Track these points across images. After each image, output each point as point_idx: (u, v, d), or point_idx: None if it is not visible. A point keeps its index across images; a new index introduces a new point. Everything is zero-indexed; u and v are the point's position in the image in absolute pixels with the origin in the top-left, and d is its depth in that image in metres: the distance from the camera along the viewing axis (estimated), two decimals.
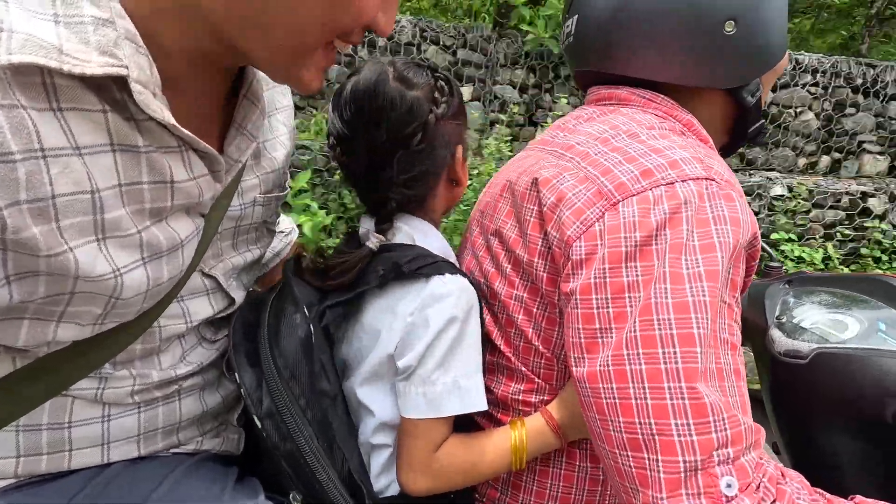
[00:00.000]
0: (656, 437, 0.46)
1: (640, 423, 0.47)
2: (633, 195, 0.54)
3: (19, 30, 0.40)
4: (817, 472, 0.83)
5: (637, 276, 0.50)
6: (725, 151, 0.77)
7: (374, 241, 0.69)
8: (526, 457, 0.62)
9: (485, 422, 0.69)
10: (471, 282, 0.64)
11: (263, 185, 0.70)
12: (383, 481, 0.64)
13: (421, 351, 0.60)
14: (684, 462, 0.45)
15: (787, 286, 1.01)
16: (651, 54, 0.66)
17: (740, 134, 0.73)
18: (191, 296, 0.63)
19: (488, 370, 0.68)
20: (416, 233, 0.68)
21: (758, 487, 0.46)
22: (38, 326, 0.49)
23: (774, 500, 0.46)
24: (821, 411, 0.84)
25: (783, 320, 0.92)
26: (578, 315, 0.53)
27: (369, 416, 0.65)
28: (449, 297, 0.61)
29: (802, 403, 0.86)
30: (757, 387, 1.01)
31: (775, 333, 0.89)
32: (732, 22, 0.63)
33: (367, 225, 0.72)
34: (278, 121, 0.75)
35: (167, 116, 0.49)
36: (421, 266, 0.63)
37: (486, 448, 0.62)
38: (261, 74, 0.64)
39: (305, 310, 0.63)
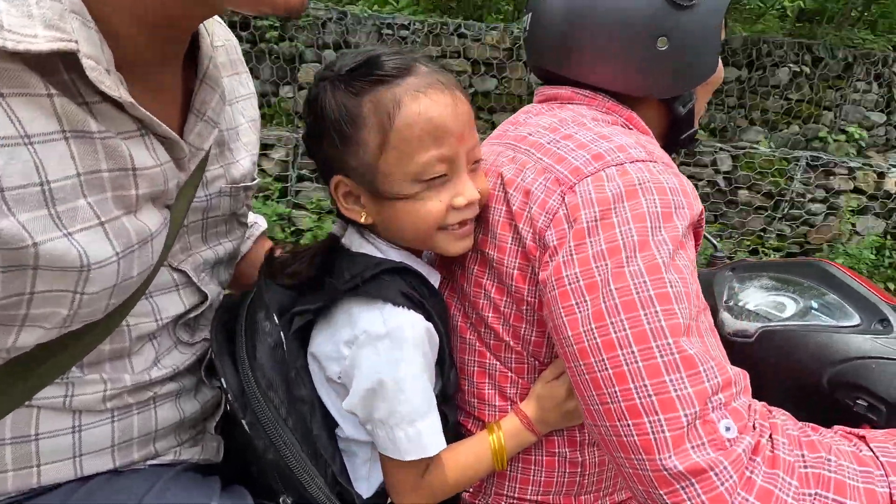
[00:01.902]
0: (654, 398, 0.48)
1: (635, 388, 0.48)
2: (588, 176, 0.57)
3: None
4: None
5: (601, 245, 0.53)
6: None
7: (338, 228, 0.69)
8: (506, 457, 0.64)
9: (464, 419, 0.71)
10: (427, 302, 0.61)
11: (229, 175, 0.68)
12: (365, 487, 0.65)
13: (357, 402, 0.59)
14: (685, 416, 0.47)
15: (731, 273, 1.10)
16: (594, 62, 0.71)
17: (673, 140, 0.79)
18: (159, 292, 0.61)
19: (462, 369, 0.69)
20: (372, 246, 0.66)
21: (754, 426, 0.48)
22: None
23: (770, 434, 0.49)
24: (766, 384, 0.92)
25: (731, 304, 1.01)
26: (556, 296, 0.55)
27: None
28: (385, 339, 0.57)
29: (751, 377, 0.94)
30: None
31: (725, 316, 0.97)
32: (665, 38, 0.68)
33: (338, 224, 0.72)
34: (240, 110, 0.73)
35: (123, 94, 0.46)
36: (360, 284, 0.59)
37: (469, 460, 0.64)
38: (218, 59, 0.61)
39: (275, 317, 0.63)
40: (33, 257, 0.43)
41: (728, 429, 0.47)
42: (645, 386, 0.48)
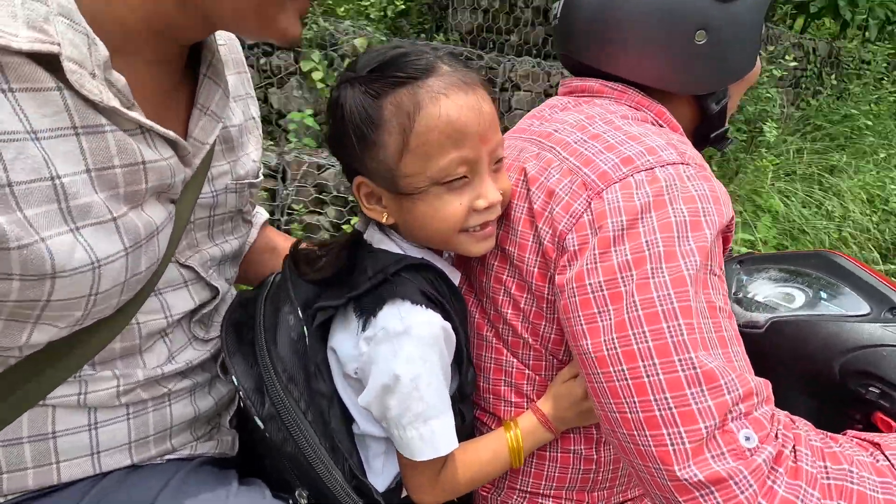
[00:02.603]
0: (674, 410, 0.47)
1: (655, 400, 0.48)
2: (616, 182, 0.56)
3: None
4: None
5: (626, 256, 0.53)
6: None
7: (360, 223, 0.69)
8: (523, 454, 0.64)
9: (479, 413, 0.71)
10: (446, 301, 0.62)
11: (234, 172, 0.69)
12: (379, 481, 0.65)
13: (373, 398, 0.59)
14: (705, 427, 0.46)
15: (738, 266, 1.10)
16: (626, 54, 0.69)
17: (703, 138, 0.77)
18: (168, 288, 0.62)
19: (478, 365, 0.69)
20: (393, 243, 0.66)
21: (776, 436, 0.48)
22: (13, 328, 0.46)
23: (794, 445, 0.48)
24: (777, 374, 0.92)
25: (740, 296, 1.01)
26: (577, 303, 0.54)
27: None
28: (403, 336, 0.57)
29: (761, 369, 0.94)
30: None
31: (734, 308, 0.97)
32: (703, 32, 0.66)
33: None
34: (243, 107, 0.74)
35: (105, 98, 0.46)
36: (385, 280, 0.60)
37: (486, 457, 0.64)
38: (220, 55, 0.62)
39: (299, 311, 0.63)
40: (49, 260, 0.43)
41: (748, 438, 0.47)
42: (665, 399, 0.48)
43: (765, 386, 0.51)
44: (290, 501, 0.62)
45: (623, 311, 0.51)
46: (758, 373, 0.96)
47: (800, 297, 0.95)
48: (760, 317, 0.92)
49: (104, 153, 0.46)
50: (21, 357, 0.50)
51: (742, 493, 0.45)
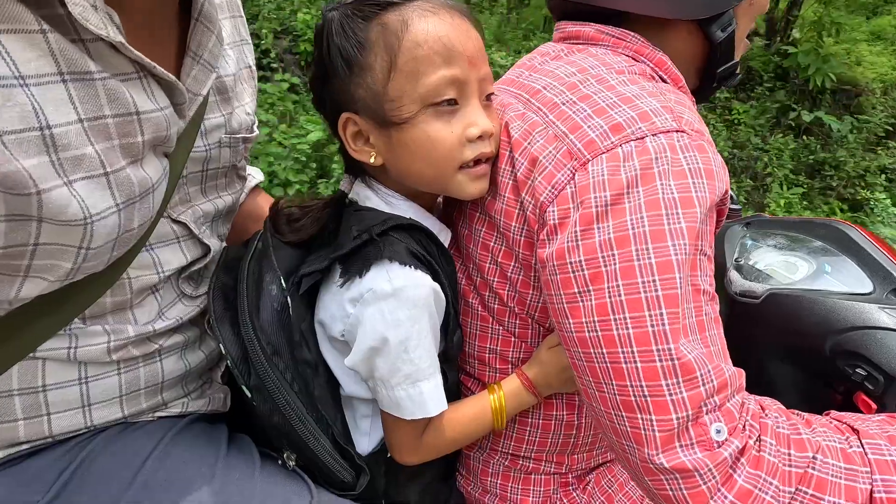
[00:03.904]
0: (649, 399, 0.48)
1: (632, 387, 0.49)
2: (603, 153, 0.53)
3: None
4: (757, 393, 0.93)
5: (609, 234, 0.51)
6: (698, 96, 0.75)
7: (345, 183, 0.66)
8: (506, 416, 0.66)
9: (464, 377, 0.72)
10: (435, 261, 0.60)
11: (229, 125, 0.66)
12: (366, 441, 0.67)
13: (360, 360, 0.59)
14: (677, 419, 0.47)
15: (745, 228, 1.07)
16: None
17: (710, 75, 0.71)
18: (160, 243, 0.61)
19: (464, 331, 0.69)
20: (380, 199, 0.64)
21: (744, 427, 0.49)
22: (2, 282, 0.46)
23: (759, 435, 0.49)
24: (768, 345, 0.92)
25: (741, 262, 0.99)
26: (558, 281, 0.53)
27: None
28: (391, 298, 0.56)
29: (753, 337, 0.94)
30: None
31: (733, 275, 0.96)
32: None
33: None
34: (238, 55, 0.69)
35: (111, 32, 0.43)
36: (370, 240, 0.58)
37: (469, 418, 0.65)
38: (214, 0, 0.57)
39: (282, 280, 0.62)
40: (37, 207, 0.42)
41: (718, 431, 0.48)
42: (641, 386, 0.49)
43: (738, 376, 0.51)
44: (279, 461, 0.64)
45: (605, 292, 0.50)
46: (747, 341, 0.97)
47: (802, 268, 0.93)
48: (759, 287, 0.91)
49: (94, 101, 0.44)
50: (10, 310, 0.49)
51: (704, 483, 0.47)
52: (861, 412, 0.78)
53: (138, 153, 0.49)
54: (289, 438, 0.61)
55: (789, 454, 0.49)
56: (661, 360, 0.48)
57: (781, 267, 0.95)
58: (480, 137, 0.59)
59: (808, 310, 0.84)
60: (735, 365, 1.02)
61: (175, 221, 0.62)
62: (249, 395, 0.60)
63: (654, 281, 0.49)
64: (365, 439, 0.67)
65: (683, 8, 0.64)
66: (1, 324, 0.50)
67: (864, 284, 0.85)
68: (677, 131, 0.53)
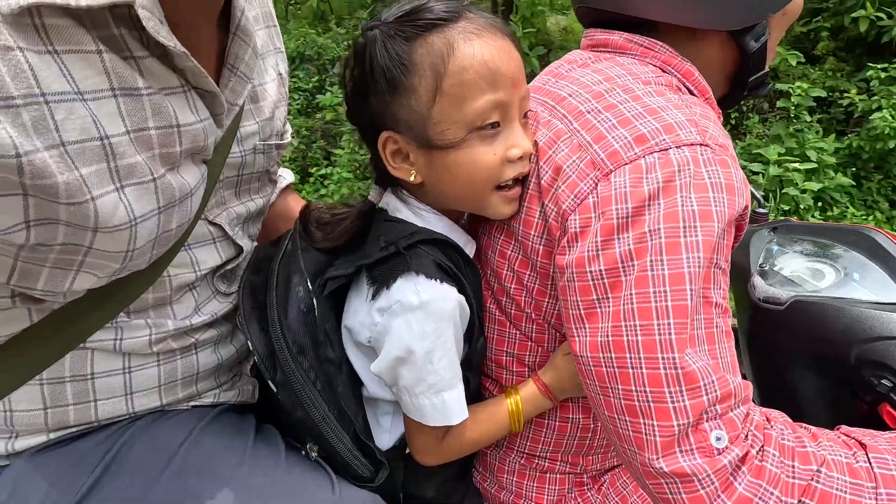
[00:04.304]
0: (652, 405, 0.49)
1: (636, 392, 0.50)
2: (626, 164, 0.54)
3: None
4: (779, 401, 0.92)
5: (629, 245, 0.51)
6: (726, 103, 0.75)
7: (374, 194, 0.68)
8: (523, 419, 0.67)
9: (483, 378, 0.73)
10: (461, 273, 0.61)
11: (262, 132, 0.69)
12: (386, 438, 0.69)
13: (385, 368, 0.60)
14: (678, 425, 0.48)
15: (772, 233, 1.05)
16: None
17: (740, 83, 0.71)
18: (198, 244, 0.64)
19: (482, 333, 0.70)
20: (410, 212, 0.65)
21: (746, 437, 0.49)
22: (58, 274, 0.50)
23: (763, 446, 0.50)
24: (792, 352, 0.91)
25: (765, 268, 0.97)
26: (576, 288, 0.54)
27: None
28: (418, 311, 0.58)
29: (776, 344, 0.93)
30: (732, 320, 1.08)
31: (757, 280, 0.94)
32: None
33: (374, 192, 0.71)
34: (272, 64, 0.72)
35: (177, 44, 0.47)
36: (397, 252, 0.59)
37: (487, 422, 0.67)
38: (250, 12, 0.61)
39: (308, 282, 0.64)
40: (94, 217, 0.46)
41: (719, 439, 0.48)
42: (645, 392, 0.50)
43: (744, 387, 0.52)
44: (303, 452, 0.67)
45: (620, 301, 0.51)
46: (769, 348, 0.95)
47: (829, 276, 0.91)
48: (783, 293, 0.89)
49: (140, 115, 0.48)
50: (64, 303, 0.54)
51: (703, 489, 0.48)
52: (886, 424, 0.76)
53: (175, 161, 0.53)
54: (311, 433, 0.64)
55: (793, 466, 0.49)
56: (665, 369, 0.49)
57: (808, 274, 0.93)
58: (520, 158, 0.60)
59: (834, 318, 0.82)
60: (757, 371, 1.01)
61: (211, 223, 0.65)
62: (275, 389, 0.62)
63: (664, 292, 0.50)
64: (385, 436, 0.69)
65: (718, 19, 0.63)
66: (56, 316, 0.55)
67: (893, 293, 0.83)
68: (701, 145, 0.54)
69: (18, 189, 0.41)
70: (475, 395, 0.69)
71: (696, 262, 0.50)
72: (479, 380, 0.71)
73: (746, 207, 0.56)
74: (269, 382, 0.63)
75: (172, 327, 0.63)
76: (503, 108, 0.58)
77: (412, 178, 0.62)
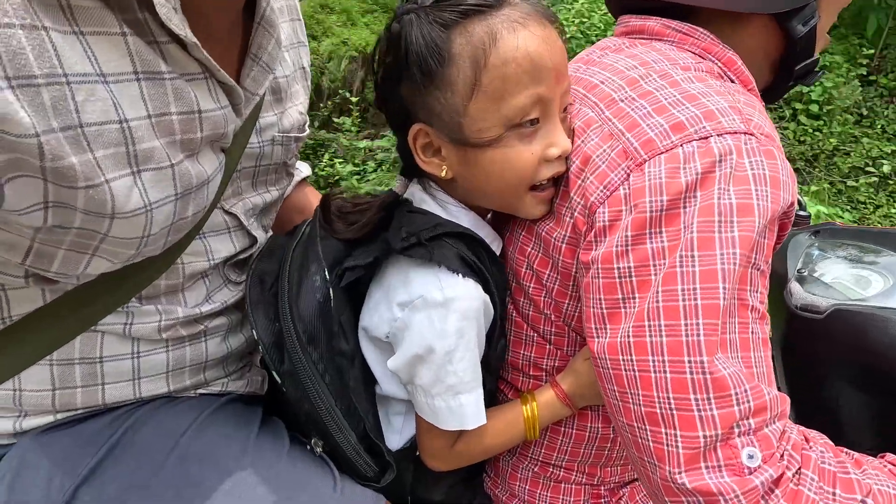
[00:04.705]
0: (675, 413, 0.45)
1: (658, 398, 0.46)
2: (662, 153, 0.49)
3: None
4: (817, 418, 0.86)
5: (662, 242, 0.48)
6: (770, 94, 0.70)
7: (399, 185, 0.66)
8: (539, 427, 0.64)
9: (498, 381, 0.70)
10: (486, 269, 0.58)
11: (281, 124, 0.69)
12: (396, 439, 0.66)
13: (402, 365, 0.58)
14: (704, 437, 0.44)
15: (812, 237, 0.99)
16: None
17: (786, 71, 0.65)
18: (213, 233, 0.64)
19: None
20: (437, 204, 0.62)
21: (781, 456, 0.45)
22: (72, 257, 0.50)
23: (800, 468, 0.45)
24: (832, 363, 0.85)
25: (804, 273, 0.91)
26: (600, 285, 0.51)
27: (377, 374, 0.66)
28: (441, 307, 0.55)
29: (814, 356, 0.87)
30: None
31: (794, 287, 0.88)
32: None
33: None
34: (294, 57, 0.72)
35: (188, 33, 0.47)
36: (419, 243, 0.56)
37: (501, 428, 0.63)
38: (276, 3, 0.60)
39: (326, 272, 0.62)
40: (110, 202, 0.46)
41: (751, 456, 0.44)
42: (668, 398, 0.45)
43: (781, 401, 0.47)
44: (308, 447, 0.65)
45: (646, 300, 0.48)
46: (805, 360, 0.89)
47: (876, 284, 0.85)
48: (823, 301, 0.83)
49: (161, 99, 0.47)
50: (77, 285, 0.54)
51: None
52: None
53: (195, 148, 0.53)
54: (317, 427, 0.62)
55: (834, 493, 0.45)
56: (691, 373, 0.45)
57: (851, 281, 0.87)
58: (558, 157, 0.56)
59: (881, 328, 0.76)
60: (792, 383, 0.95)
61: (227, 213, 0.65)
62: (280, 380, 0.61)
63: (694, 289, 0.45)
64: (396, 436, 0.67)
65: (761, 1, 0.58)
66: (69, 297, 0.55)
67: None
68: (745, 133, 0.49)
69: (38, 173, 0.41)
70: (489, 400, 0.66)
71: (730, 260, 0.46)
72: (495, 383, 0.68)
73: (792, 204, 0.51)
74: (274, 374, 0.61)
75: (182, 314, 0.62)
76: (544, 103, 0.54)
77: (443, 174, 0.59)
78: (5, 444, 0.60)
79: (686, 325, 0.45)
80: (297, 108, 0.72)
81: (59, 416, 0.60)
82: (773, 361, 0.98)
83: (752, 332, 0.47)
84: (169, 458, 0.59)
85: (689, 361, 0.45)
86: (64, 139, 0.41)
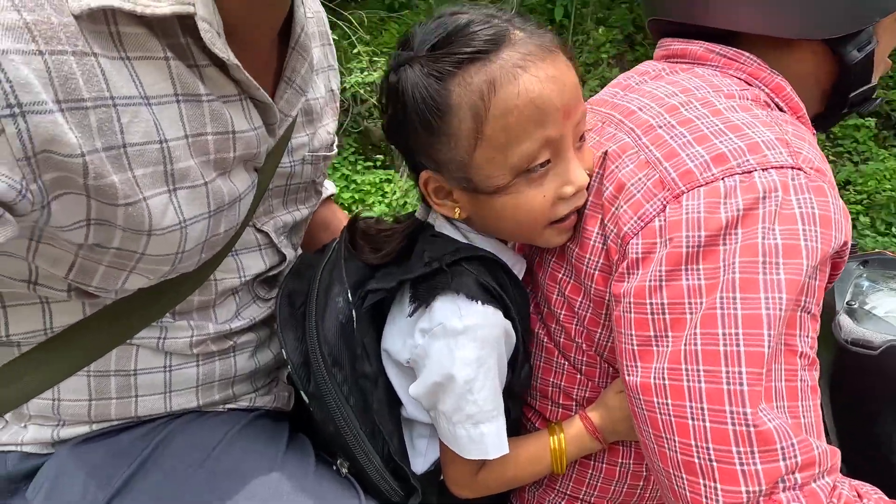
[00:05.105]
0: (715, 464, 0.42)
1: (696, 447, 0.43)
2: (701, 185, 0.47)
3: None
4: (867, 459, 0.81)
5: (699, 280, 0.45)
6: (823, 122, 0.66)
7: (421, 211, 0.66)
8: (566, 461, 0.61)
9: (525, 408, 0.68)
10: (507, 295, 0.57)
11: (311, 143, 0.71)
12: (421, 462, 0.65)
13: (423, 392, 0.57)
14: (747, 492, 0.41)
15: (861, 267, 0.94)
16: None
17: (840, 100, 0.62)
18: (245, 250, 0.66)
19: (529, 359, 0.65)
20: (456, 230, 0.62)
21: None
22: (112, 273, 0.51)
23: None
24: (885, 402, 0.79)
25: (854, 305, 0.87)
26: (631, 320, 0.48)
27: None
28: (461, 336, 0.54)
29: (865, 392, 0.82)
30: None
31: (844, 320, 0.84)
32: None
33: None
34: (324, 79, 0.75)
35: (230, 56, 0.49)
36: (440, 269, 0.55)
37: (527, 459, 0.61)
38: (309, 29, 0.63)
39: (349, 293, 0.62)
40: (147, 219, 0.48)
41: None
42: (707, 449, 0.43)
43: (831, 454, 0.44)
44: (334, 467, 0.65)
45: (682, 341, 0.45)
46: (856, 398, 0.84)
47: None
48: (876, 336, 0.79)
49: (199, 120, 0.50)
50: (116, 299, 0.56)
51: None
52: None
53: (228, 166, 0.54)
54: (342, 449, 0.61)
55: None
56: (734, 424, 0.42)
57: None
58: (576, 193, 0.55)
59: None
60: (840, 422, 0.90)
61: (259, 230, 0.67)
62: (308, 401, 0.61)
63: (736, 334, 0.43)
64: (420, 459, 0.65)
65: (813, 26, 0.55)
66: (107, 311, 0.57)
67: None
68: (793, 168, 0.47)
69: (82, 190, 0.43)
70: (514, 427, 0.64)
71: (776, 304, 0.43)
72: (519, 410, 0.66)
73: (846, 244, 0.48)
74: (302, 393, 0.61)
75: (213, 330, 0.63)
76: (554, 144, 0.52)
77: (456, 215, 0.59)
78: (45, 454, 0.61)
79: (727, 372, 0.43)
80: (325, 128, 0.74)
81: (95, 426, 0.61)
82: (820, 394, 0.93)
83: (801, 380, 0.44)
84: (198, 473, 0.60)
85: (731, 412, 0.42)
86: (106, 158, 0.44)
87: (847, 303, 0.87)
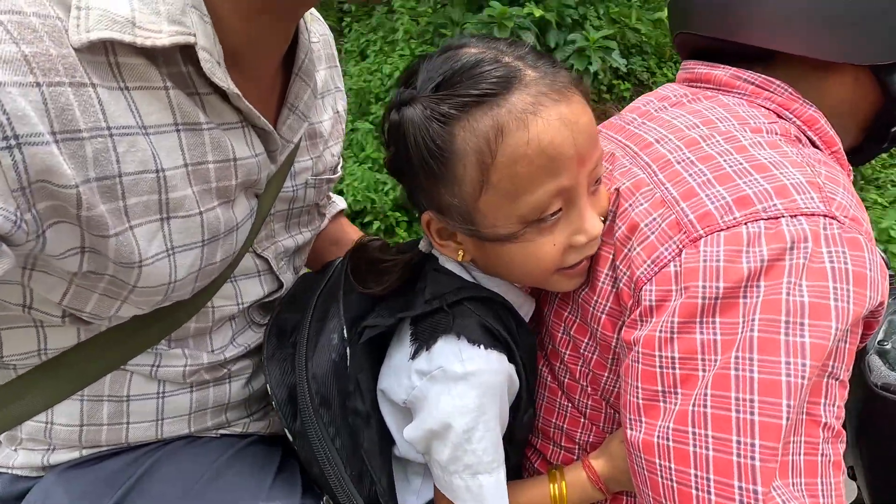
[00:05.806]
0: None
1: None
2: (721, 230, 0.43)
3: (95, 6, 0.41)
4: None
5: (714, 335, 0.42)
6: (858, 156, 0.62)
7: (424, 244, 0.63)
8: None
9: (526, 448, 0.65)
10: (511, 337, 0.54)
11: (315, 167, 0.70)
12: (413, 500, 0.63)
13: (419, 438, 0.55)
14: None
15: (895, 303, 0.88)
16: (768, 14, 0.52)
17: (880, 133, 0.57)
18: (243, 276, 0.65)
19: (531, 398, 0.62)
20: (461, 268, 0.60)
21: None
22: (105, 301, 0.51)
23: None
24: None
25: (887, 346, 0.81)
26: (638, 371, 0.45)
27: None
28: (462, 382, 0.51)
29: None
30: None
31: (874, 361, 0.78)
32: None
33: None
34: (330, 102, 0.74)
35: (230, 85, 0.49)
36: (441, 309, 0.53)
37: None
38: (315, 53, 0.62)
39: (345, 330, 0.60)
40: (136, 250, 0.47)
41: None
42: None
43: None
44: (322, 501, 0.64)
45: (690, 400, 0.41)
46: (886, 443, 0.78)
47: None
48: None
49: (200, 149, 0.50)
50: (110, 325, 0.56)
51: None
52: None
53: (230, 194, 0.54)
54: (325, 489, 0.60)
55: None
56: (742, 501, 0.38)
57: None
58: (588, 242, 0.52)
59: None
60: (870, 468, 0.84)
61: (259, 256, 0.66)
62: (292, 438, 0.59)
63: (751, 401, 0.39)
64: (413, 497, 0.63)
65: (861, 50, 0.51)
66: (102, 336, 0.56)
67: None
68: (825, 216, 0.42)
69: (75, 220, 0.43)
70: (514, 474, 0.61)
71: (798, 371, 0.39)
72: (520, 456, 0.63)
73: (882, 304, 0.43)
74: (286, 431, 0.59)
75: (207, 361, 0.63)
76: (566, 193, 0.49)
77: (460, 257, 0.56)
78: (34, 477, 0.61)
79: (739, 442, 0.39)
80: (330, 150, 0.74)
81: (85, 451, 0.61)
82: (847, 437, 0.87)
83: (822, 454, 0.40)
84: (182, 502, 0.59)
85: (740, 488, 0.38)
86: (98, 188, 0.43)
87: (879, 342, 0.82)
